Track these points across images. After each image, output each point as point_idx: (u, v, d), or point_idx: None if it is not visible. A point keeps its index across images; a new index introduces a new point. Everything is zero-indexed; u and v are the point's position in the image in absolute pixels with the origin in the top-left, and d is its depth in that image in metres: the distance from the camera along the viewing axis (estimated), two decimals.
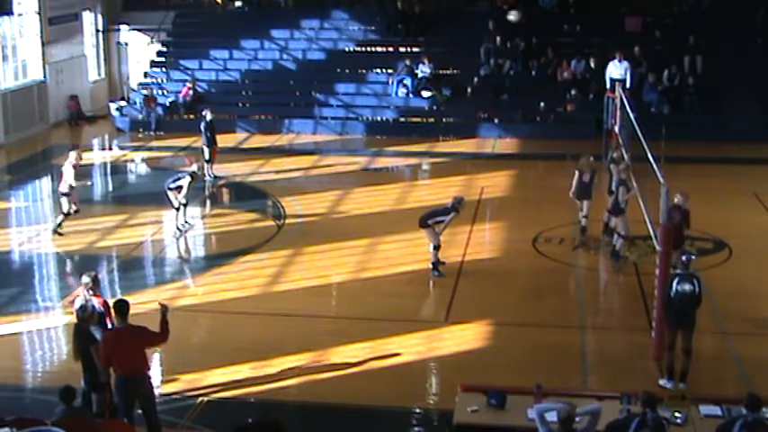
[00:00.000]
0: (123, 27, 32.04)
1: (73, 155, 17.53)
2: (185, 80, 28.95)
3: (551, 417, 8.64)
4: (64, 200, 17.54)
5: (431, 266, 15.58)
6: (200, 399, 11.53)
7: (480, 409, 9.73)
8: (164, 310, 10.12)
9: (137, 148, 26.01)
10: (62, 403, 9.08)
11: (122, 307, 10.02)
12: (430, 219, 15.48)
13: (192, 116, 26.74)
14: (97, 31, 31.62)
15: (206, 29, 31.73)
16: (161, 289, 15.22)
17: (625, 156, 17.22)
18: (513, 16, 26.70)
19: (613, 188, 16.19)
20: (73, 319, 10.80)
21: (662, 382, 11.62)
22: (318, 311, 14.39)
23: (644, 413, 8.35)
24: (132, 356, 9.90)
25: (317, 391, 11.73)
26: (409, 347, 12.91)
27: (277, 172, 22.83)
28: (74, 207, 17.65)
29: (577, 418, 8.40)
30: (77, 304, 10.74)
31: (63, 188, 17.49)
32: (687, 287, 11.41)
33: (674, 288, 11.45)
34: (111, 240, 17.75)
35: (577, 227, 17.04)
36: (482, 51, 28.33)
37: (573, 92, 26.98)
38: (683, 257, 11.70)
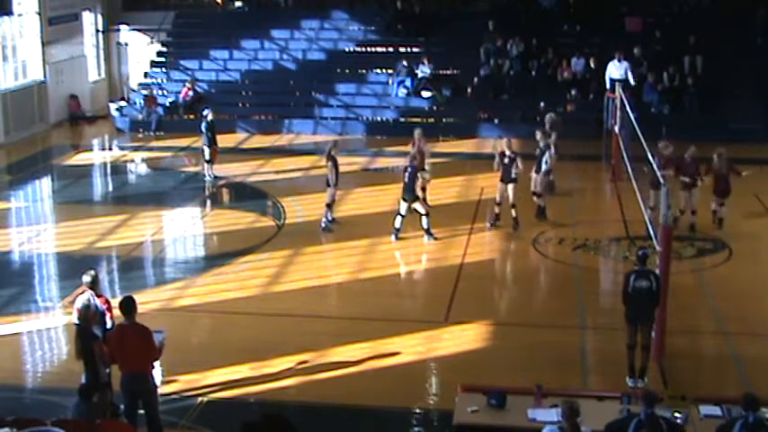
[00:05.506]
0: (123, 27, 32.02)
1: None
2: (185, 80, 28.94)
3: (553, 417, 8.62)
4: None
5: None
6: (200, 399, 11.52)
7: (480, 409, 9.71)
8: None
9: (137, 149, 25.99)
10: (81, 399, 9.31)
11: (129, 304, 10.04)
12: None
13: (191, 116, 26.73)
14: (97, 31, 31.60)
15: (206, 29, 31.74)
16: (161, 289, 15.21)
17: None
18: None
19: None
20: (73, 318, 10.78)
21: (628, 381, 11.62)
22: (318, 311, 14.38)
23: (642, 413, 8.34)
24: (137, 354, 9.91)
25: (317, 391, 11.72)
26: (409, 347, 12.89)
27: (277, 172, 22.83)
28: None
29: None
30: (80, 303, 10.73)
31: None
32: (644, 283, 11.44)
33: (630, 284, 11.48)
34: (111, 240, 17.74)
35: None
36: (482, 51, 28.33)
37: (573, 92, 26.98)
38: (639, 253, 11.81)
